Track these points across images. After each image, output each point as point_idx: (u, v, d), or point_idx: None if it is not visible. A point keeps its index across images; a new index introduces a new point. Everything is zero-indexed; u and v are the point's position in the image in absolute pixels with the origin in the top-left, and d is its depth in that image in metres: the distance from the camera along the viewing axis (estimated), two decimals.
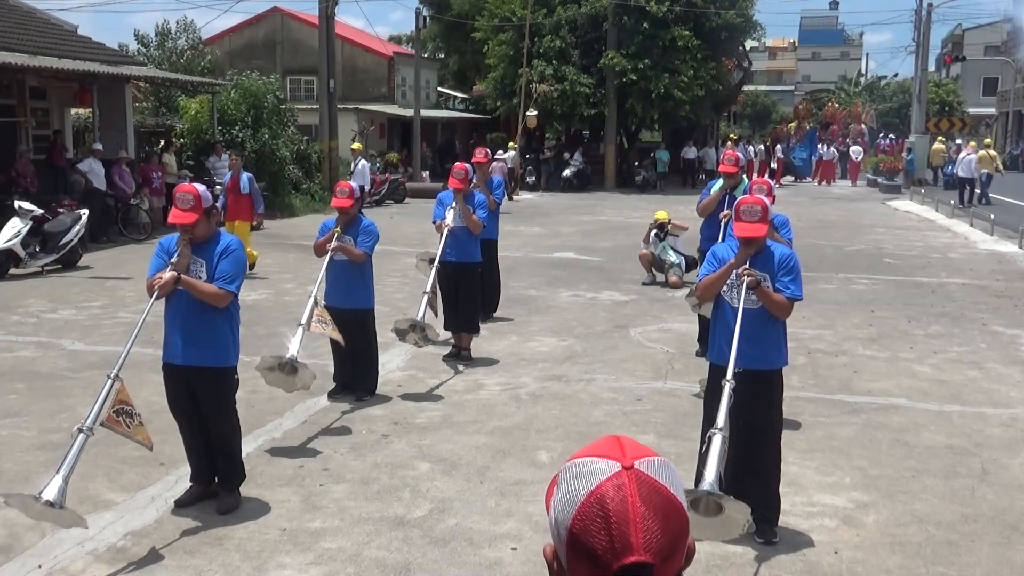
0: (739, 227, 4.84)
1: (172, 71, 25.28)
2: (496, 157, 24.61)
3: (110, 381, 4.71)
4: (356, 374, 7.39)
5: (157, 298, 5.03)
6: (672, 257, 12.81)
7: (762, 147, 37.37)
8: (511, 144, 28.41)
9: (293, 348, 6.43)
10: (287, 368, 6.31)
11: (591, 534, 1.19)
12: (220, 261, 5.04)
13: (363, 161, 18.37)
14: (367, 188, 18.53)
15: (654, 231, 13.06)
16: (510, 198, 24.18)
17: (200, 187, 5.17)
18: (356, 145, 20.08)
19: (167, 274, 4.94)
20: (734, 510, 4.26)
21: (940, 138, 33.58)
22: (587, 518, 1.19)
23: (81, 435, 4.53)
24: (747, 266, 4.79)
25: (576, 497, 1.20)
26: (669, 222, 13.01)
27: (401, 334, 7.63)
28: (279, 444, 6.33)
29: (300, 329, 6.60)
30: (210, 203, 5.15)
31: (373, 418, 6.90)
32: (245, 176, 12.97)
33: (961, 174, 25.95)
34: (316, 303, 6.68)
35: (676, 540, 1.22)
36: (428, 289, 7.89)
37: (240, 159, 13.54)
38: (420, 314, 7.66)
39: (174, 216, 5.02)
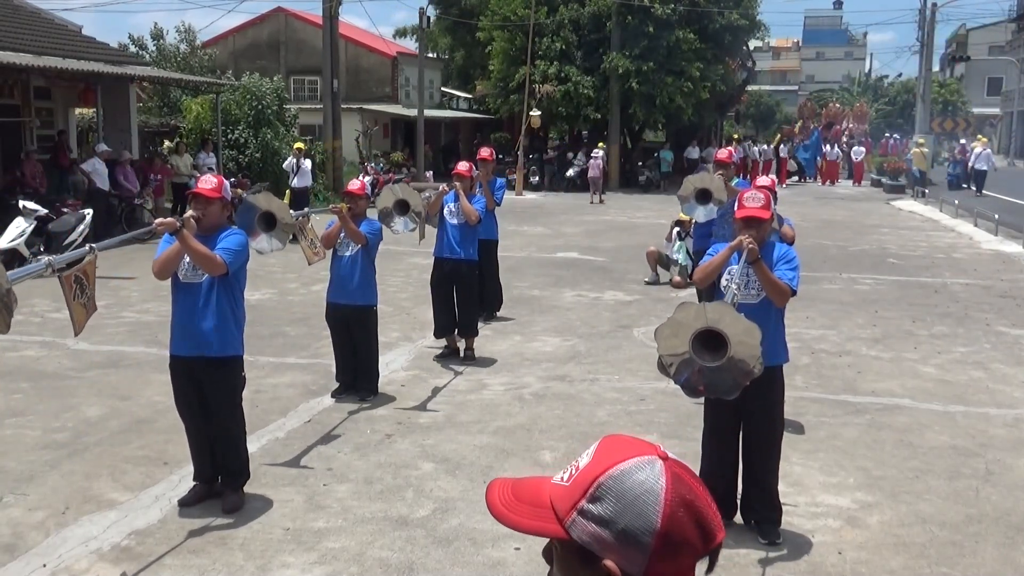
0: (742, 210, 4.83)
1: (173, 71, 25.30)
2: (593, 156, 27.13)
3: (89, 251, 4.85)
4: (358, 374, 7.40)
5: (151, 231, 5.24)
6: (681, 258, 12.72)
7: (766, 147, 37.31)
8: (600, 144, 28.62)
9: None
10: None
11: (684, 528, 1.23)
12: (224, 239, 5.17)
13: (307, 161, 17.49)
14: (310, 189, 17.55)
15: (676, 229, 12.98)
16: (601, 200, 25.62)
17: (225, 180, 5.46)
18: (299, 144, 18.72)
19: (171, 219, 5.13)
20: None
21: (919, 140, 30.61)
22: (674, 515, 1.23)
23: (45, 264, 4.47)
24: (750, 238, 4.69)
25: (650, 500, 1.22)
26: (689, 221, 12.78)
27: (385, 214, 7.62)
28: (283, 444, 6.33)
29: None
30: (229, 197, 5.39)
31: (376, 418, 6.91)
32: None
33: (978, 167, 28.45)
34: (307, 218, 6.86)
35: None
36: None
37: None
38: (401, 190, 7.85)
39: (197, 188, 5.27)
